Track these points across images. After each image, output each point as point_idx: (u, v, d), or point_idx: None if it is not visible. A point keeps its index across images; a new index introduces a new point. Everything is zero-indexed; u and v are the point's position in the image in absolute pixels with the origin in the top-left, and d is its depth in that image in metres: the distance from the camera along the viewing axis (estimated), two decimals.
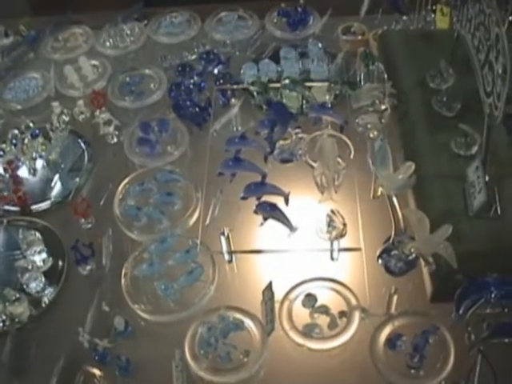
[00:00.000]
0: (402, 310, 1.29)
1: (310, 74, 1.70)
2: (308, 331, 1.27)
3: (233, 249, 1.38)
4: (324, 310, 1.30)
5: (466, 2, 1.33)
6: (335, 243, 1.34)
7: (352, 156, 1.38)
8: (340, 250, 1.34)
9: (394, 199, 1.27)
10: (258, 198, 1.38)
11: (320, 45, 1.76)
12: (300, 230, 1.36)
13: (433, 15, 1.78)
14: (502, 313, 1.04)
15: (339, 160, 1.41)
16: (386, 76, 1.51)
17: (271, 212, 1.35)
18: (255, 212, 1.37)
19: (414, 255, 1.25)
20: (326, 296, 1.32)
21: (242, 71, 1.71)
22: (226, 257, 1.39)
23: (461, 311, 1.06)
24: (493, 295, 1.02)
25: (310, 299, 1.32)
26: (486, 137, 1.28)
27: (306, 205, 1.39)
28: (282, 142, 1.45)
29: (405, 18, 1.83)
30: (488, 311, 1.09)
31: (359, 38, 1.71)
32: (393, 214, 1.27)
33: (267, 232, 1.40)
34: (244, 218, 1.40)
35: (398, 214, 1.25)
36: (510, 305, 1.05)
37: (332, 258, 1.36)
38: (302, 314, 1.30)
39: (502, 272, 1.26)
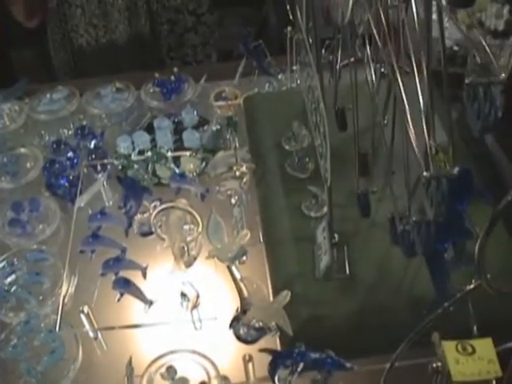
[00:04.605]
0: (261, 376, 1.29)
1: (184, 143, 1.71)
2: None
3: (96, 325, 1.39)
4: (182, 382, 1.30)
5: (302, 64, 1.36)
6: (195, 313, 1.35)
7: (200, 227, 1.39)
8: (195, 320, 1.35)
9: (234, 268, 1.28)
10: (117, 274, 1.40)
11: (195, 112, 1.78)
12: (160, 302, 1.38)
13: None
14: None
15: (196, 230, 1.42)
16: (236, 142, 1.54)
17: (126, 287, 1.37)
18: (113, 288, 1.38)
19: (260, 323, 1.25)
20: (186, 367, 1.32)
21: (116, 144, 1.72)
22: (91, 334, 1.40)
23: (276, 381, 1.07)
24: (299, 366, 1.03)
25: (169, 372, 1.31)
26: (329, 198, 1.29)
27: (165, 277, 1.39)
28: (139, 216, 1.46)
29: (280, 77, 1.85)
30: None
31: (229, 102, 1.73)
32: (235, 284, 1.28)
33: (132, 306, 1.41)
34: (105, 294, 1.41)
35: (238, 284, 1.26)
36: None
37: (195, 328, 1.37)
38: None
39: (350, 334, 1.28)
